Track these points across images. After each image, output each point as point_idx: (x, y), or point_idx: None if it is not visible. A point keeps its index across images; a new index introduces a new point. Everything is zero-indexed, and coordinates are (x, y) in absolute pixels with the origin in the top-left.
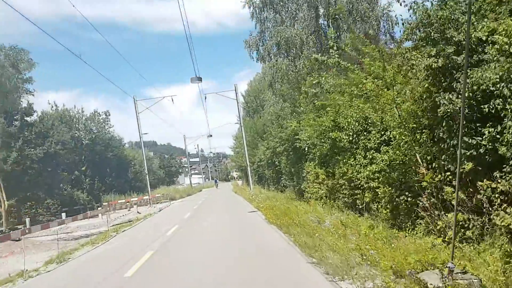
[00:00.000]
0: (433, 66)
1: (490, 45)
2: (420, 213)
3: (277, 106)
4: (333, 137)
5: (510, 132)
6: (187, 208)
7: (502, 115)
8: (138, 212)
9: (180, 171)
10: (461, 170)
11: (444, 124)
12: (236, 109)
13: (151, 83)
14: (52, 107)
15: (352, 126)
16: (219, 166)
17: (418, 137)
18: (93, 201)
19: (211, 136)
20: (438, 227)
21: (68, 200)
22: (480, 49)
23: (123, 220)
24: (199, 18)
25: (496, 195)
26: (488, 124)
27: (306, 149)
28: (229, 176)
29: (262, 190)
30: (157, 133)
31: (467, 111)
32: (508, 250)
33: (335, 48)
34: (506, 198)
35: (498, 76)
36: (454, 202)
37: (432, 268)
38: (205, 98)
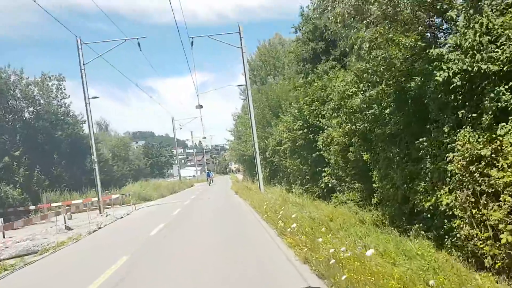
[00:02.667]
0: None
1: None
2: None
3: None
4: None
5: None
6: (144, 230)
7: None
8: (67, 228)
9: (175, 162)
10: None
11: None
12: (238, 99)
13: (154, 74)
14: None
15: None
16: (217, 158)
17: None
18: (29, 201)
19: (201, 107)
20: None
21: None
22: None
23: (18, 251)
24: (200, 9)
25: None
26: None
27: None
28: (227, 169)
29: (283, 191)
30: (157, 125)
31: None
32: None
33: None
34: None
35: None
36: None
37: None
38: (192, 44)
